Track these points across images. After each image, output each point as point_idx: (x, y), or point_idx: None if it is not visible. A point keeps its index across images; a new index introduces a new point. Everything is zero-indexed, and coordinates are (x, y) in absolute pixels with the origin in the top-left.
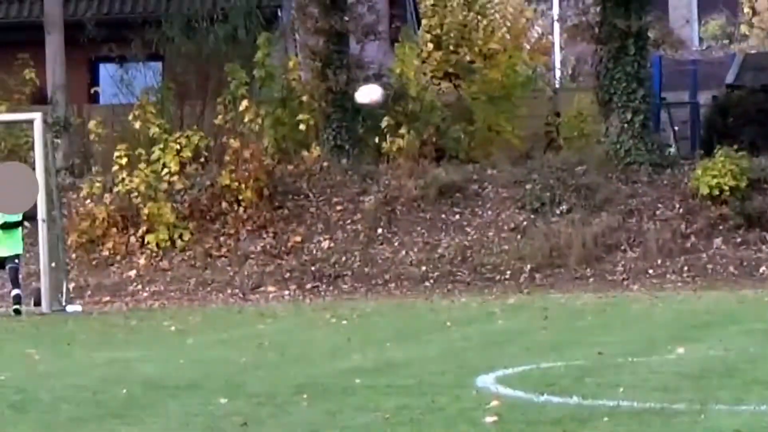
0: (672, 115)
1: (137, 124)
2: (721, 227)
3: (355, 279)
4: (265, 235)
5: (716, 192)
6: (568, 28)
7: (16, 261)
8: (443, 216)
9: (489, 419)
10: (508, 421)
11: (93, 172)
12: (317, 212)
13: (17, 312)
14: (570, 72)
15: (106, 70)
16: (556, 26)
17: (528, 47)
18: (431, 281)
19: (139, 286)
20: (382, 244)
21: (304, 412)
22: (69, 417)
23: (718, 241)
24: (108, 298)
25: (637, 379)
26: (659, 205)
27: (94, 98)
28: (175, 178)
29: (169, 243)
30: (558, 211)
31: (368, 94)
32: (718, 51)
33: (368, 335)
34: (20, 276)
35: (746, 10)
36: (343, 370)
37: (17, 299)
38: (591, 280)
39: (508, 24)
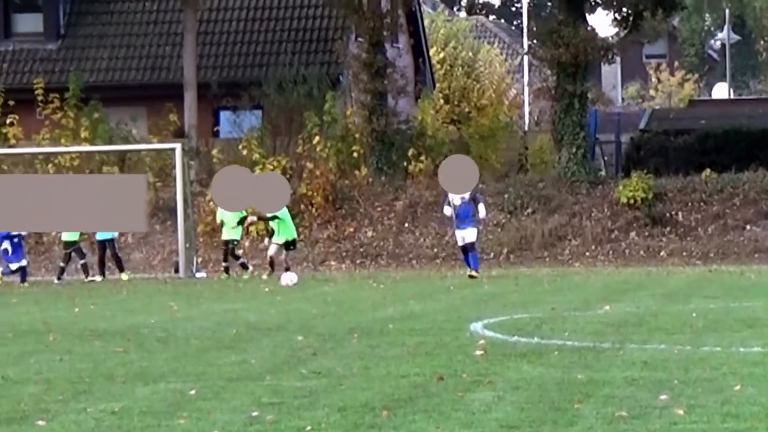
0: (603, 150)
1: (245, 152)
2: (634, 225)
3: (389, 257)
4: (329, 227)
5: (632, 201)
6: (535, 90)
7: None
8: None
9: (478, 352)
10: (491, 354)
11: None
12: (364, 211)
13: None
14: (535, 120)
15: (224, 116)
16: (526, 89)
17: (507, 102)
18: (441, 259)
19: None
20: (408, 233)
21: (354, 346)
22: (196, 348)
23: (632, 234)
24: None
25: (577, 326)
26: (593, 209)
27: (215, 134)
28: None
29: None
30: (525, 213)
31: (288, 279)
32: (635, 107)
33: (397, 295)
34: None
35: (653, 79)
36: (381, 318)
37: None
38: (547, 259)
39: (494, 87)
